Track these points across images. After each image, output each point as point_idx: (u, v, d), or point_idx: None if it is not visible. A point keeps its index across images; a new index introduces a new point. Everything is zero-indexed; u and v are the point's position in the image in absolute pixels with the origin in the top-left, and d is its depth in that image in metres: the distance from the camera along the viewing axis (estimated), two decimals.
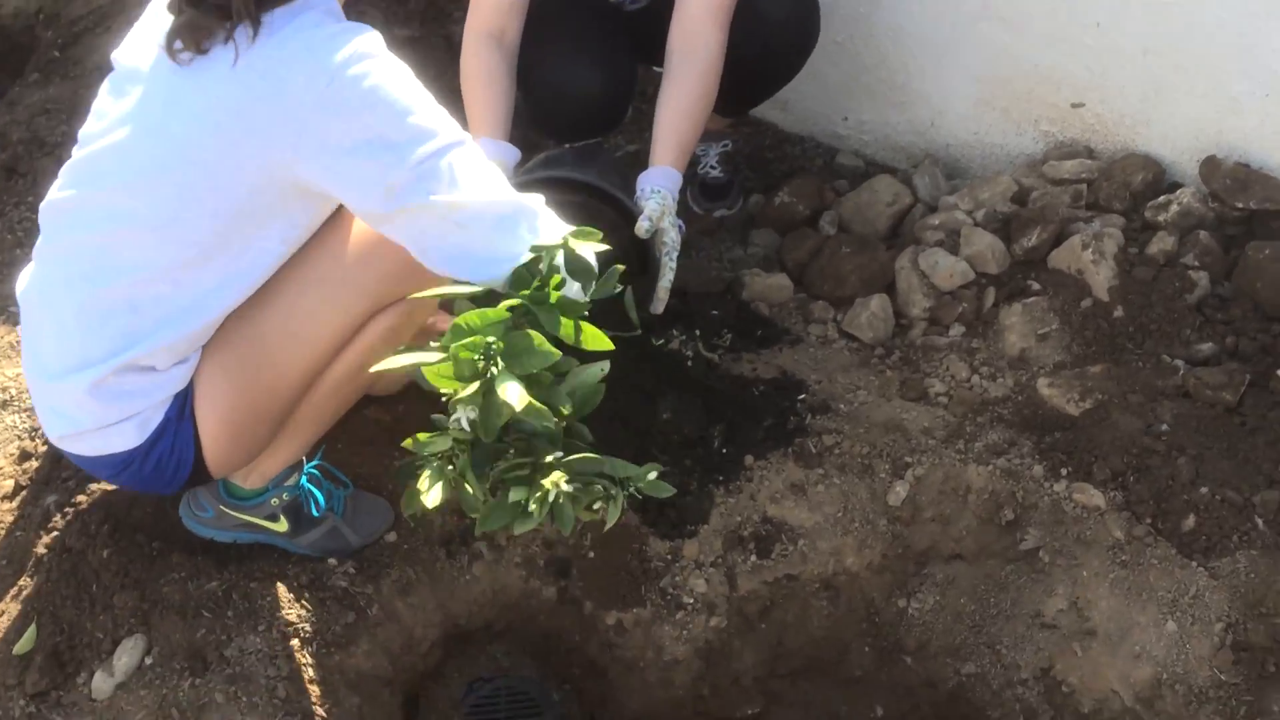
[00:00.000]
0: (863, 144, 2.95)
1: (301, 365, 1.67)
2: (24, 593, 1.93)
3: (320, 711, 1.77)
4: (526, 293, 1.37)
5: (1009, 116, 2.62)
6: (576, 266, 1.39)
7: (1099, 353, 2.10)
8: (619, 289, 1.42)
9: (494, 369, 1.28)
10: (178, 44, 1.48)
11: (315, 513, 1.90)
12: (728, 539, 1.98)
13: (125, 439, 1.64)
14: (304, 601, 1.86)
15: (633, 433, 2.08)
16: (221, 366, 1.64)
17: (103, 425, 1.62)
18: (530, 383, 1.31)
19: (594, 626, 1.97)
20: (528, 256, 1.41)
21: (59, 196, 1.60)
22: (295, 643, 1.82)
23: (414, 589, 1.94)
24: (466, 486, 1.36)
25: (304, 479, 1.90)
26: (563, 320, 1.35)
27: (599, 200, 2.06)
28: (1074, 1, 2.37)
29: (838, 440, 2.05)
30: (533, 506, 1.32)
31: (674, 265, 2.01)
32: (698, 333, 2.25)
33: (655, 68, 2.29)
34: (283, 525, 1.89)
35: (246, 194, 1.50)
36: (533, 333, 1.30)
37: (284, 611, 1.84)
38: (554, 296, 1.37)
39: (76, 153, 1.61)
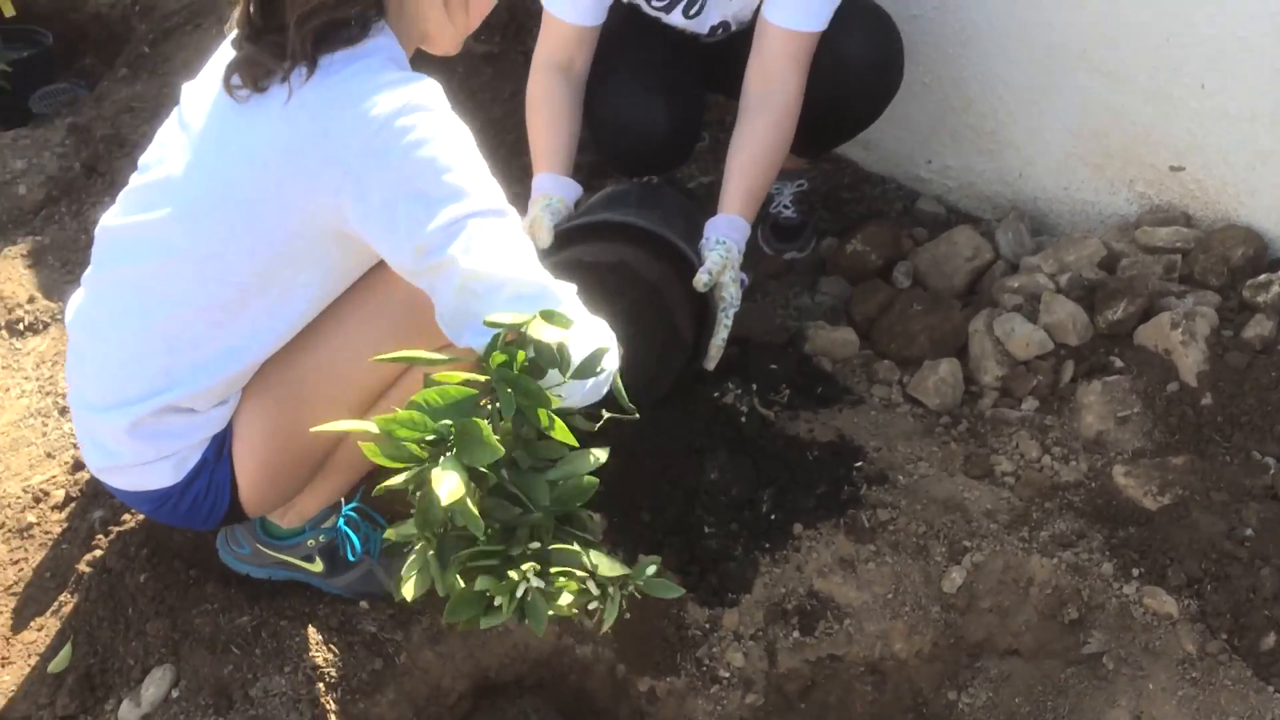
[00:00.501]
0: (946, 190, 2.83)
1: (340, 411, 1.63)
2: (64, 609, 1.93)
3: None
4: (492, 370, 1.27)
5: (1102, 173, 2.49)
6: (541, 352, 1.28)
7: (1182, 443, 1.97)
8: (601, 370, 1.34)
9: (444, 455, 1.19)
10: (236, 80, 1.45)
11: (351, 556, 1.87)
12: (770, 611, 1.90)
13: (162, 477, 1.62)
14: (332, 645, 1.83)
15: (679, 491, 2.01)
16: (260, 409, 1.62)
17: (140, 462, 1.61)
18: (488, 474, 1.24)
19: (626, 692, 1.91)
20: (494, 331, 1.31)
21: (112, 223, 1.59)
22: (320, 687, 1.79)
23: (444, 638, 1.90)
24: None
25: (341, 521, 1.87)
26: (538, 410, 1.25)
27: (660, 247, 2.00)
28: (1178, 59, 2.24)
29: (893, 516, 1.95)
30: (499, 600, 1.22)
31: (729, 323, 1.96)
32: (754, 387, 2.17)
33: (734, 99, 2.22)
34: (318, 566, 1.87)
35: (285, 236, 1.47)
36: (482, 423, 1.19)
37: (311, 654, 1.81)
38: (521, 378, 1.27)
39: (134, 179, 1.60)
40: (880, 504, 1.97)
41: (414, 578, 1.24)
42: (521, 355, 1.26)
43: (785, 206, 2.69)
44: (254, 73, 1.44)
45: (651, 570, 1.33)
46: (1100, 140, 2.46)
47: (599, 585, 1.29)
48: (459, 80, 3.15)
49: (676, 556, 1.95)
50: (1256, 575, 1.76)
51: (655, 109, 2.20)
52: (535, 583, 1.23)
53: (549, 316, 1.29)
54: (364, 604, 1.88)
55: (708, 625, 1.90)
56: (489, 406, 1.26)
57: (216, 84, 1.50)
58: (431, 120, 1.39)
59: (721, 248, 1.97)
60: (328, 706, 1.78)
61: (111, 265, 1.59)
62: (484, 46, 3.18)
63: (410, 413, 1.21)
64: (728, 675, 1.87)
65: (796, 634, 1.89)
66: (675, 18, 2.25)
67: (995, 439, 2.08)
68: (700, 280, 1.94)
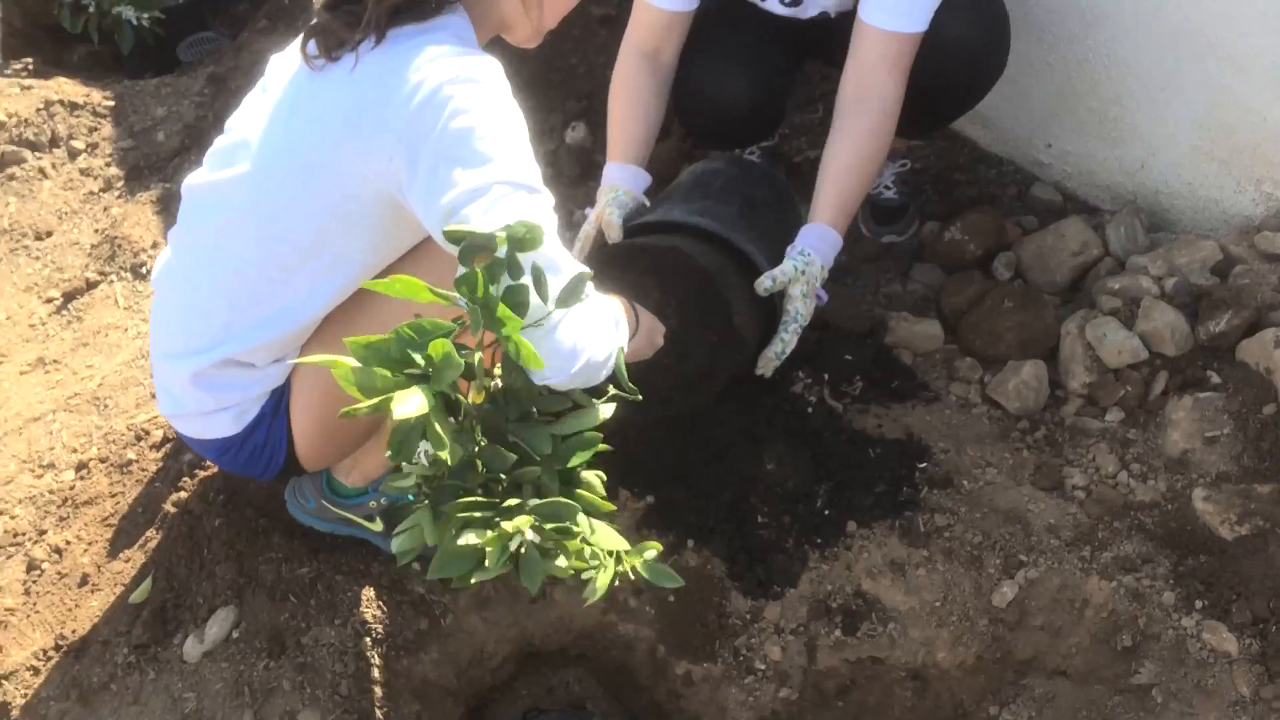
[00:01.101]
0: (1065, 175, 2.69)
1: None
2: (149, 544, 2.07)
3: (378, 714, 1.81)
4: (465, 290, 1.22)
5: (1228, 170, 2.32)
6: (512, 268, 1.23)
7: (1273, 470, 1.85)
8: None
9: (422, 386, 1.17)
10: (311, 48, 1.51)
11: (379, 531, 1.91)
12: (814, 608, 1.88)
13: (222, 427, 1.71)
14: (382, 602, 1.90)
15: (735, 478, 2.00)
16: (314, 371, 1.68)
17: (202, 411, 1.70)
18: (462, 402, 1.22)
19: (664, 672, 1.93)
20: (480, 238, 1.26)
21: (195, 182, 1.68)
22: (367, 641, 1.87)
23: (491, 605, 1.95)
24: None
25: (379, 500, 1.92)
26: (512, 336, 1.20)
27: (730, 250, 1.96)
28: None
29: (950, 522, 1.90)
30: (489, 552, 1.17)
31: (790, 338, 1.90)
32: (826, 377, 2.13)
33: (837, 68, 2.15)
34: (378, 526, 1.93)
35: (341, 199, 1.52)
36: (442, 342, 1.17)
37: (362, 609, 1.90)
38: (490, 298, 1.21)
39: (217, 141, 1.68)
40: (939, 509, 1.92)
41: (405, 536, 1.23)
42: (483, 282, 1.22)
43: (886, 187, 2.61)
44: (328, 41, 1.49)
45: (651, 555, 1.29)
46: (1228, 135, 2.29)
47: (595, 554, 1.26)
48: (573, 43, 3.16)
49: (726, 544, 1.95)
50: None
51: (736, 83, 2.16)
52: (530, 537, 1.18)
53: (525, 229, 1.23)
54: (415, 565, 1.95)
55: (749, 616, 1.90)
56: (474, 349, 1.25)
57: (297, 53, 1.55)
58: (478, 92, 1.41)
59: (801, 259, 1.89)
60: (372, 660, 1.86)
61: (191, 223, 1.68)
62: (600, 9, 3.17)
63: (384, 338, 1.19)
64: (764, 668, 1.87)
65: (839, 633, 1.87)
66: (772, 4, 2.19)
67: (1072, 450, 1.99)
68: (762, 284, 1.88)
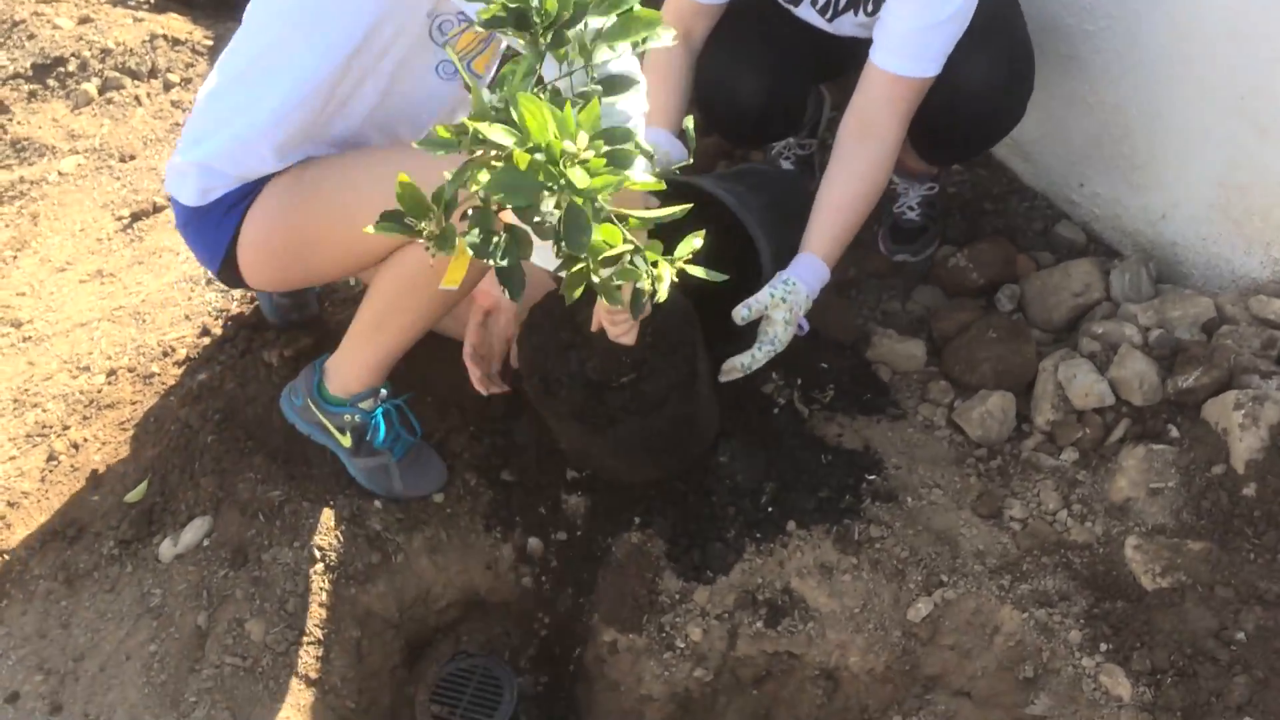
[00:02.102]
0: (1093, 217, 2.69)
1: (339, 233, 1.82)
2: (152, 451, 2.24)
3: (318, 633, 1.96)
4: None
5: (1240, 231, 2.31)
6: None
7: (1208, 529, 1.86)
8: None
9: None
10: None
11: (376, 443, 2.05)
12: (741, 597, 1.96)
13: (188, 195, 1.87)
14: (340, 532, 2.04)
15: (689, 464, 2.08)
16: (280, 192, 1.83)
17: (180, 172, 1.88)
18: None
19: (595, 637, 2.03)
20: None
21: None
22: (320, 566, 2.02)
23: (442, 550, 2.08)
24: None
25: (380, 411, 2.04)
26: None
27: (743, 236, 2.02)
28: None
29: (883, 534, 1.95)
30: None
31: (760, 357, 1.91)
32: (799, 380, 2.19)
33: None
34: (347, 441, 2.06)
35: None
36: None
37: (320, 536, 2.04)
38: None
39: None
40: (876, 520, 1.98)
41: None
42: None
43: (910, 207, 2.64)
44: None
45: (698, 243, 1.22)
46: (1243, 195, 2.28)
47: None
48: None
49: (669, 525, 2.04)
50: (1228, 681, 1.66)
51: (753, 79, 2.21)
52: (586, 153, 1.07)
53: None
54: (377, 503, 2.08)
55: (678, 596, 1.99)
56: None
57: None
58: None
59: (784, 288, 1.90)
60: (322, 585, 2.01)
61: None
62: None
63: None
64: (683, 646, 1.95)
65: (760, 625, 1.94)
66: (805, 11, 2.24)
67: (1019, 482, 2.03)
68: (738, 314, 1.90)
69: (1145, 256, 2.43)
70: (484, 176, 1.08)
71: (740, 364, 1.93)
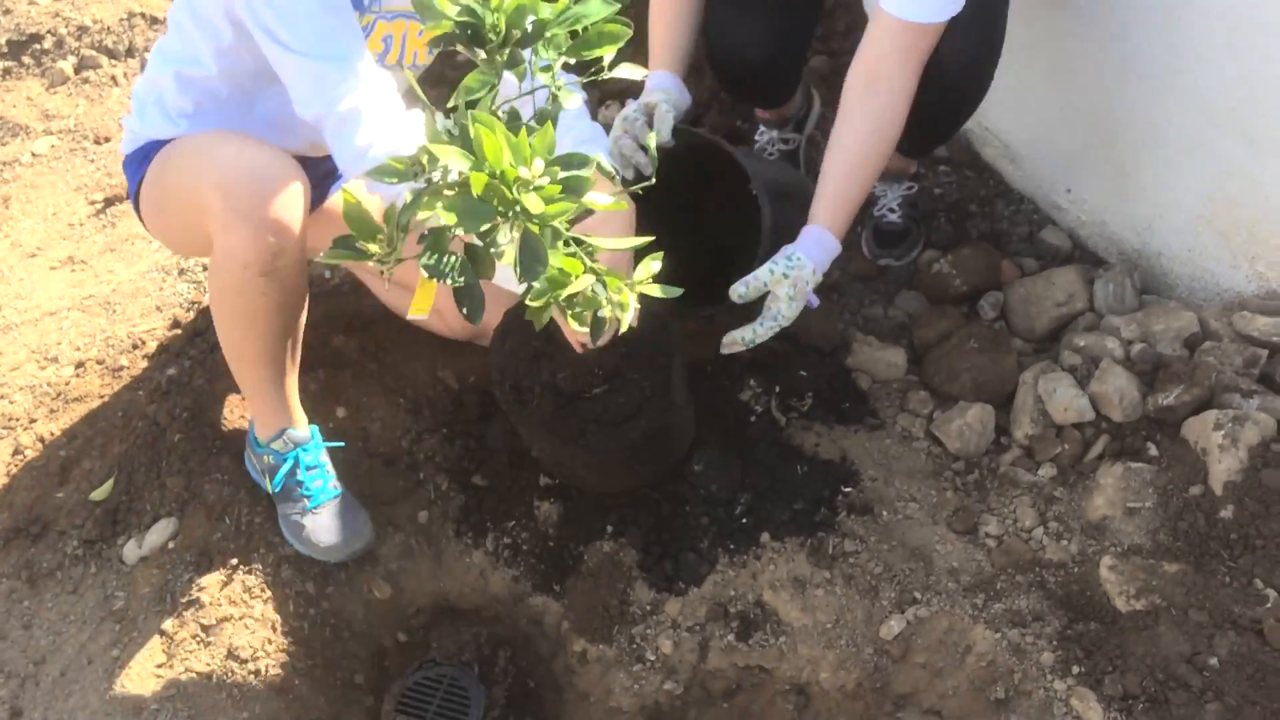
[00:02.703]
0: (1079, 224, 2.66)
1: (172, 210, 1.90)
2: (119, 447, 2.21)
3: (283, 641, 1.93)
4: None
5: (1227, 244, 2.28)
6: None
7: (1184, 550, 1.84)
8: None
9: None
10: None
11: (272, 488, 1.99)
12: (713, 610, 1.94)
13: (124, 143, 1.99)
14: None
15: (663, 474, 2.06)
16: (160, 156, 1.89)
17: (126, 119, 1.98)
18: None
19: (565, 646, 2.01)
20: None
21: None
22: (287, 572, 1.99)
23: (412, 556, 2.06)
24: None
25: (290, 454, 1.98)
26: None
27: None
28: None
29: (858, 549, 1.93)
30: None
31: (762, 332, 1.86)
32: (777, 388, 2.16)
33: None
34: (269, 485, 2.01)
35: None
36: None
37: (284, 549, 2.01)
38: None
39: None
40: (851, 534, 1.95)
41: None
42: None
43: (891, 209, 2.61)
44: None
45: (656, 267, 1.23)
46: (1231, 208, 2.25)
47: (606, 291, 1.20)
48: None
49: (642, 535, 2.01)
50: (1200, 708, 1.64)
51: (756, 31, 2.17)
52: (541, 179, 1.06)
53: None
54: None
55: (649, 607, 1.96)
56: None
57: None
58: None
59: (785, 264, 1.84)
60: (288, 591, 1.98)
61: None
62: None
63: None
64: (654, 659, 1.93)
65: (732, 638, 1.93)
66: None
67: (996, 498, 2.01)
68: (735, 291, 1.85)
69: (1130, 266, 2.41)
70: (438, 203, 1.05)
71: (741, 338, 1.86)
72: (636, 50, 1.80)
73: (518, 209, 1.04)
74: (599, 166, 1.25)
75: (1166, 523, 1.87)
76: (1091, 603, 1.82)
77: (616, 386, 1.84)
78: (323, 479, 1.99)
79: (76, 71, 3.48)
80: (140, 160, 1.92)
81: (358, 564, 2.03)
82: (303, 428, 1.97)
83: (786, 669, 1.90)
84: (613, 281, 1.19)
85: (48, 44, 3.51)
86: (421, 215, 1.08)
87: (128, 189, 1.98)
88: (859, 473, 2.05)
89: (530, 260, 1.07)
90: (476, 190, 1.04)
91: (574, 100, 1.25)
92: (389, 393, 2.20)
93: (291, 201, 1.71)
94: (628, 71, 1.26)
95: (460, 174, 1.07)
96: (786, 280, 1.85)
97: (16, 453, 2.29)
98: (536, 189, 1.05)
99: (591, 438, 1.84)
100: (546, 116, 1.22)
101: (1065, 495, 1.98)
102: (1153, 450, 1.97)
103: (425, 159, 1.09)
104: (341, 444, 2.05)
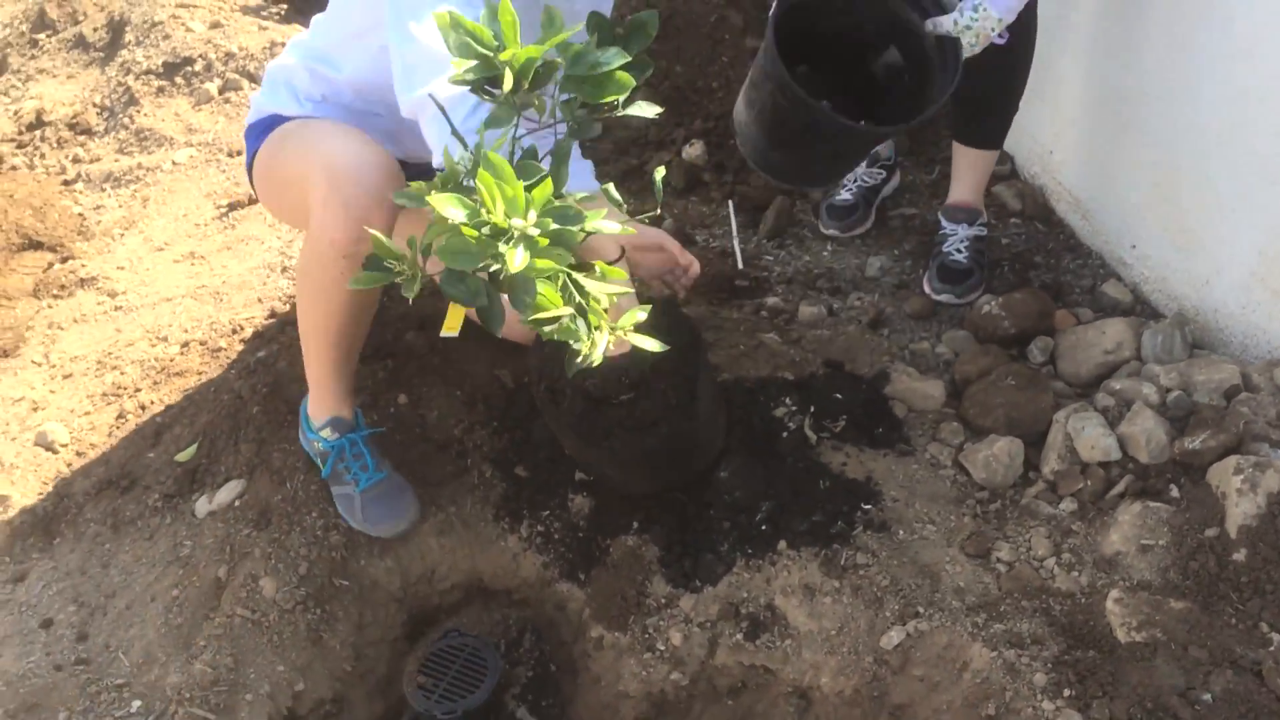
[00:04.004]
0: (1142, 279, 2.68)
1: (284, 187, 2.05)
2: (206, 417, 2.42)
3: (324, 598, 2.09)
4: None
5: (1278, 301, 2.28)
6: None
7: (1193, 590, 1.84)
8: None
9: None
10: None
11: (323, 473, 2.16)
12: (725, 609, 2.02)
13: (249, 115, 2.16)
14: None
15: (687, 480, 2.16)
16: (276, 134, 2.06)
17: (256, 97, 2.16)
18: None
19: (584, 631, 2.11)
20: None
21: None
22: (334, 537, 2.15)
23: (451, 534, 2.20)
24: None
25: (333, 439, 2.13)
26: None
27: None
28: None
29: (868, 562, 1.99)
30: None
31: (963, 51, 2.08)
32: (812, 409, 2.25)
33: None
34: (322, 468, 2.18)
35: None
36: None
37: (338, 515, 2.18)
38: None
39: None
40: (864, 548, 2.01)
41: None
42: None
43: (958, 249, 2.68)
44: None
45: (641, 316, 1.33)
46: None
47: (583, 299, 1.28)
48: (720, 67, 3.36)
49: (665, 533, 2.11)
50: None
51: None
52: (532, 230, 1.15)
53: None
54: None
55: (664, 601, 2.06)
56: None
57: None
58: None
59: (970, 15, 2.08)
60: (333, 553, 2.14)
61: None
62: (757, 43, 3.36)
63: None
64: (663, 649, 2.02)
65: (740, 637, 2.00)
66: None
67: (1014, 527, 2.04)
68: (925, 26, 2.10)
69: (1182, 320, 2.41)
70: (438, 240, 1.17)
71: (946, 26, 2.09)
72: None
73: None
74: (608, 194, 1.41)
75: (1178, 562, 1.88)
76: (1093, 632, 1.84)
77: (643, 394, 1.95)
78: (369, 463, 2.13)
79: (220, 92, 3.82)
80: (261, 131, 2.07)
81: (400, 536, 2.18)
82: (350, 415, 2.14)
83: (790, 671, 1.96)
84: (594, 318, 1.27)
85: (198, 67, 3.87)
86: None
87: (245, 158, 2.16)
88: (881, 493, 2.11)
89: (519, 294, 1.19)
90: (470, 235, 1.14)
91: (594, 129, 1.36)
92: (448, 385, 2.36)
93: (384, 194, 1.86)
94: (641, 110, 1.34)
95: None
96: (970, 31, 2.09)
97: (120, 416, 2.53)
98: (526, 239, 1.15)
99: (615, 441, 1.96)
100: (562, 154, 1.33)
101: (1082, 529, 2.01)
102: (1174, 492, 1.99)
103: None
104: (382, 429, 2.20)
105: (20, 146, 3.72)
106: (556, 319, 1.24)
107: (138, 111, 3.77)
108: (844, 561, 2.01)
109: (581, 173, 1.82)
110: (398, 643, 2.17)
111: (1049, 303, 2.54)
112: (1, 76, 4.15)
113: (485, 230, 1.14)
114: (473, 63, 1.25)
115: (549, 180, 1.19)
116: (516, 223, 1.14)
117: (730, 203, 3.07)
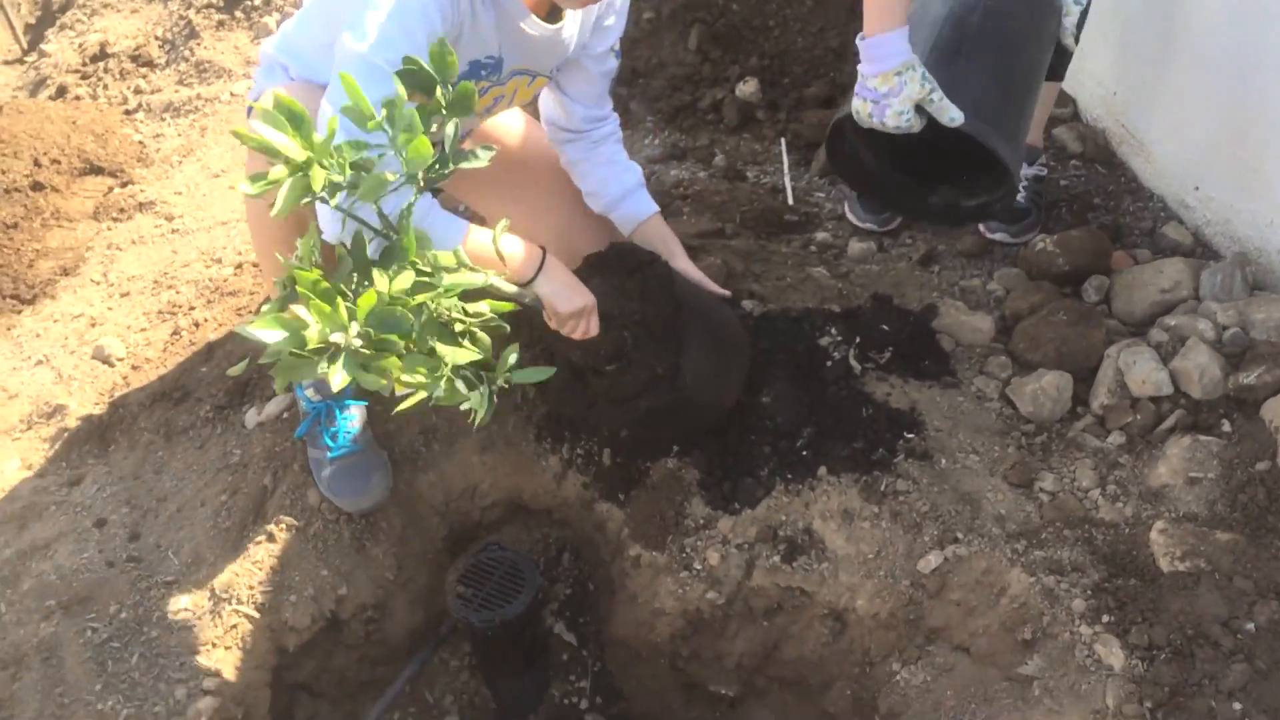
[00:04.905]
0: (1205, 221, 2.62)
1: None
2: None
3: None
4: None
5: None
6: None
7: (1240, 522, 1.81)
8: None
9: None
10: None
11: (298, 432, 2.14)
12: (764, 531, 2.02)
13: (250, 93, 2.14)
14: (400, 421, 2.20)
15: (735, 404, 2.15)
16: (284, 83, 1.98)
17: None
18: None
19: (622, 551, 2.12)
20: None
21: None
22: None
23: (493, 451, 2.22)
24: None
25: (316, 401, 2.11)
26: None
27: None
28: None
29: (909, 489, 1.98)
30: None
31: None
32: (858, 339, 2.23)
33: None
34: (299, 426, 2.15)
35: None
36: None
37: (380, 424, 2.21)
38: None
39: None
40: (904, 475, 2.00)
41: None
42: None
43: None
44: None
45: (513, 360, 1.39)
46: None
47: (463, 377, 1.35)
48: (776, 6, 3.31)
49: (706, 457, 2.11)
50: (1226, 667, 1.63)
51: None
52: (354, 342, 1.23)
53: None
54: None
55: (703, 522, 2.06)
56: None
57: None
58: None
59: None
60: None
61: None
62: None
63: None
64: (700, 568, 2.03)
65: (777, 559, 2.00)
66: None
67: (1059, 459, 2.01)
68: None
69: (1243, 260, 2.36)
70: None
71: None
72: None
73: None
74: (458, 257, 1.41)
75: (1227, 494, 1.85)
76: (1135, 561, 1.82)
77: (626, 366, 1.88)
78: (344, 433, 2.08)
79: (278, 25, 3.85)
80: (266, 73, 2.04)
81: (444, 452, 2.20)
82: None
83: (826, 594, 1.96)
84: (474, 382, 1.36)
85: (257, 1, 3.90)
86: None
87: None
88: (924, 423, 2.09)
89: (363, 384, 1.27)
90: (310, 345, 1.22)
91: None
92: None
93: None
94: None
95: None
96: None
97: (174, 333, 2.58)
98: (350, 351, 1.22)
99: (598, 412, 1.95)
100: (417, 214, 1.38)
101: (1129, 462, 1.98)
102: (1226, 427, 1.95)
103: None
104: (364, 403, 2.16)
105: (84, 78, 3.78)
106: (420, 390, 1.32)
107: (198, 44, 3.82)
108: (884, 488, 1.99)
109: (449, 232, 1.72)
110: (439, 555, 2.20)
111: (1106, 242, 2.49)
112: (67, 11, 4.21)
113: (306, 350, 1.22)
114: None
115: (371, 294, 1.25)
116: (337, 338, 1.21)
117: (783, 140, 3.04)
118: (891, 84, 1.87)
